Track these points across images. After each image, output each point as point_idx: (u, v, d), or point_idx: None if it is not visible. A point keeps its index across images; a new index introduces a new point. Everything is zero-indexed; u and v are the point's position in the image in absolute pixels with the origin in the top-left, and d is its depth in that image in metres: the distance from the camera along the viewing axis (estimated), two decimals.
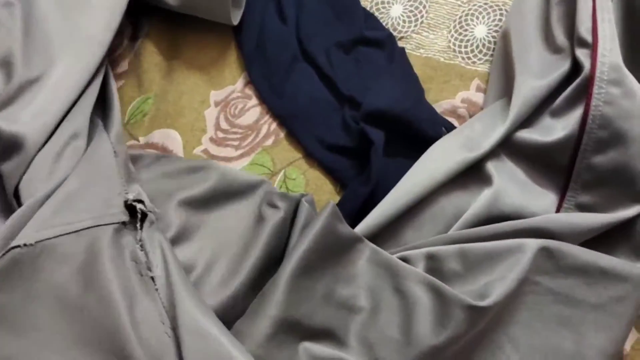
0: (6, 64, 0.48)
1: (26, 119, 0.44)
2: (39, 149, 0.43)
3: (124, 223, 0.40)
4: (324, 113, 0.50)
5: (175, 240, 0.43)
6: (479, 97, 0.52)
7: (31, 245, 0.38)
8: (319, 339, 0.40)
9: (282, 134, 0.51)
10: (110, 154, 0.44)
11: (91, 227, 0.39)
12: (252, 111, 0.52)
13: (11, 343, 0.37)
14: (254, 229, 0.44)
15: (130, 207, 0.40)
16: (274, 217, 0.43)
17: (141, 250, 0.39)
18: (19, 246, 0.38)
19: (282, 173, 0.49)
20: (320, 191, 0.48)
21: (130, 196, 0.40)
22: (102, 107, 0.50)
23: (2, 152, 0.43)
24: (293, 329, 0.39)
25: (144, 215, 0.40)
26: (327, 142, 0.49)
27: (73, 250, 0.38)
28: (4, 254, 0.38)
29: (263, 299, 0.39)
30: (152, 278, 0.38)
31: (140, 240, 0.39)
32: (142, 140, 0.52)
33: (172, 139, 0.51)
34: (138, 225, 0.40)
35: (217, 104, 0.53)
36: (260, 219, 0.44)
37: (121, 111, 0.53)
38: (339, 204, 0.44)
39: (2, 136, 0.43)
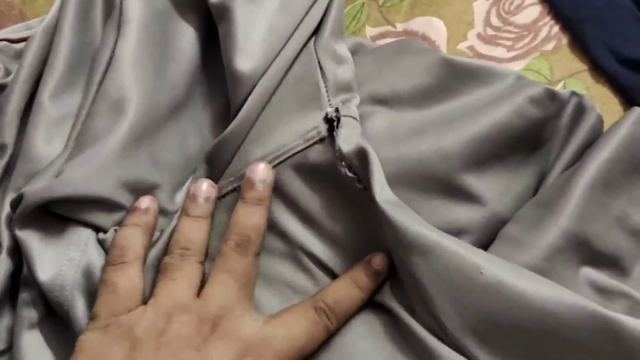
0: None
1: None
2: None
3: (321, 140, 0.35)
4: (623, 21, 0.42)
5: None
6: None
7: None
8: (601, 265, 0.34)
9: (564, 40, 0.44)
10: (314, 63, 0.38)
11: (291, 155, 0.35)
12: (531, 9, 0.45)
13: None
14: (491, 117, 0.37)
15: (330, 120, 0.35)
16: (532, 114, 0.37)
17: (341, 162, 0.34)
18: (233, 190, 0.36)
19: (561, 84, 0.43)
20: (606, 111, 0.41)
21: (330, 109, 0.35)
22: None
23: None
24: (579, 248, 0.33)
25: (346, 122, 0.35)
26: (624, 55, 0.41)
27: (283, 182, 0.36)
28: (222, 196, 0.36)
29: (552, 207, 0.34)
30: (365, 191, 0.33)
31: (338, 151, 0.34)
32: (399, 27, 0.47)
33: (435, 28, 0.45)
34: (335, 135, 0.34)
35: None
36: (515, 111, 0.37)
37: None
38: None
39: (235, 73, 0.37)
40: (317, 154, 0.35)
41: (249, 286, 0.33)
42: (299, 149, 0.35)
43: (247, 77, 0.36)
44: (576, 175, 0.34)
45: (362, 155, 0.33)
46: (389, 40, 0.46)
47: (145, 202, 0.35)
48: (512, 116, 0.36)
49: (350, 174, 0.34)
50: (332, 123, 0.35)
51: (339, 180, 0.34)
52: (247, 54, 0.37)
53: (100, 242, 0.35)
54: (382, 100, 0.38)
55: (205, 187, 0.36)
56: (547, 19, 0.45)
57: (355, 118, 0.36)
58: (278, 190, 0.36)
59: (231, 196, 0.36)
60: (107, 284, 0.32)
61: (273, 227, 0.36)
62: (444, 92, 0.38)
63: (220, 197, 0.36)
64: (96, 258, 0.34)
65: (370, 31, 0.48)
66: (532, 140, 0.38)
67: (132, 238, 0.34)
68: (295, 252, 0.35)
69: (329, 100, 0.36)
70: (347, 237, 0.35)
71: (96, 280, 0.34)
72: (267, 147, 0.36)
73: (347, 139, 0.34)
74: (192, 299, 0.32)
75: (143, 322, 0.31)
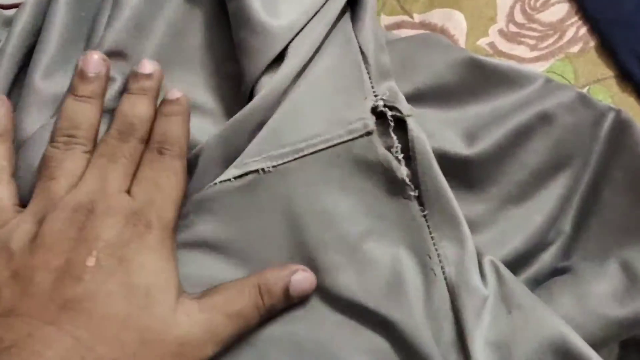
0: None
1: (284, 8, 0.35)
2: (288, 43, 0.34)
3: (368, 133, 0.33)
4: None
5: None
6: None
7: (269, 171, 0.32)
8: None
9: (592, 43, 0.41)
10: (353, 45, 0.36)
11: (330, 146, 0.33)
12: (559, 7, 0.42)
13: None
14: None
15: (379, 113, 0.34)
16: (563, 120, 0.35)
17: (397, 162, 0.33)
18: (257, 171, 0.32)
19: (584, 90, 0.40)
20: None
21: (380, 102, 0.33)
22: None
23: (250, 43, 0.34)
24: None
25: (400, 121, 0.33)
26: None
27: (312, 174, 0.33)
28: (240, 176, 0.32)
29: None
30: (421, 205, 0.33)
31: (394, 149, 0.33)
32: (416, 17, 0.44)
33: (455, 22, 0.43)
34: (391, 133, 0.33)
35: None
36: (543, 117, 0.35)
37: None
38: None
39: (260, 26, 0.34)
40: (361, 149, 0.33)
41: (129, 169, 0.31)
42: (339, 140, 0.33)
43: (278, 30, 0.33)
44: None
45: (430, 172, 0.32)
46: (404, 31, 0.44)
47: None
48: (537, 121, 0.35)
49: (407, 181, 0.32)
50: (380, 116, 0.33)
51: (380, 181, 0.33)
52: (273, 13, 0.34)
53: None
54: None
55: (96, 60, 0.32)
56: (575, 18, 0.42)
57: (408, 115, 0.33)
58: (304, 182, 0.33)
59: (255, 176, 0.32)
60: None
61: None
62: (470, 93, 0.36)
63: (241, 175, 0.32)
64: None
65: (385, 20, 0.45)
66: (562, 149, 0.35)
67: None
68: None
69: (372, 88, 0.34)
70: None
71: None
72: (302, 133, 0.33)
73: (420, 147, 0.33)
74: (67, 192, 0.30)
75: (16, 233, 0.29)
